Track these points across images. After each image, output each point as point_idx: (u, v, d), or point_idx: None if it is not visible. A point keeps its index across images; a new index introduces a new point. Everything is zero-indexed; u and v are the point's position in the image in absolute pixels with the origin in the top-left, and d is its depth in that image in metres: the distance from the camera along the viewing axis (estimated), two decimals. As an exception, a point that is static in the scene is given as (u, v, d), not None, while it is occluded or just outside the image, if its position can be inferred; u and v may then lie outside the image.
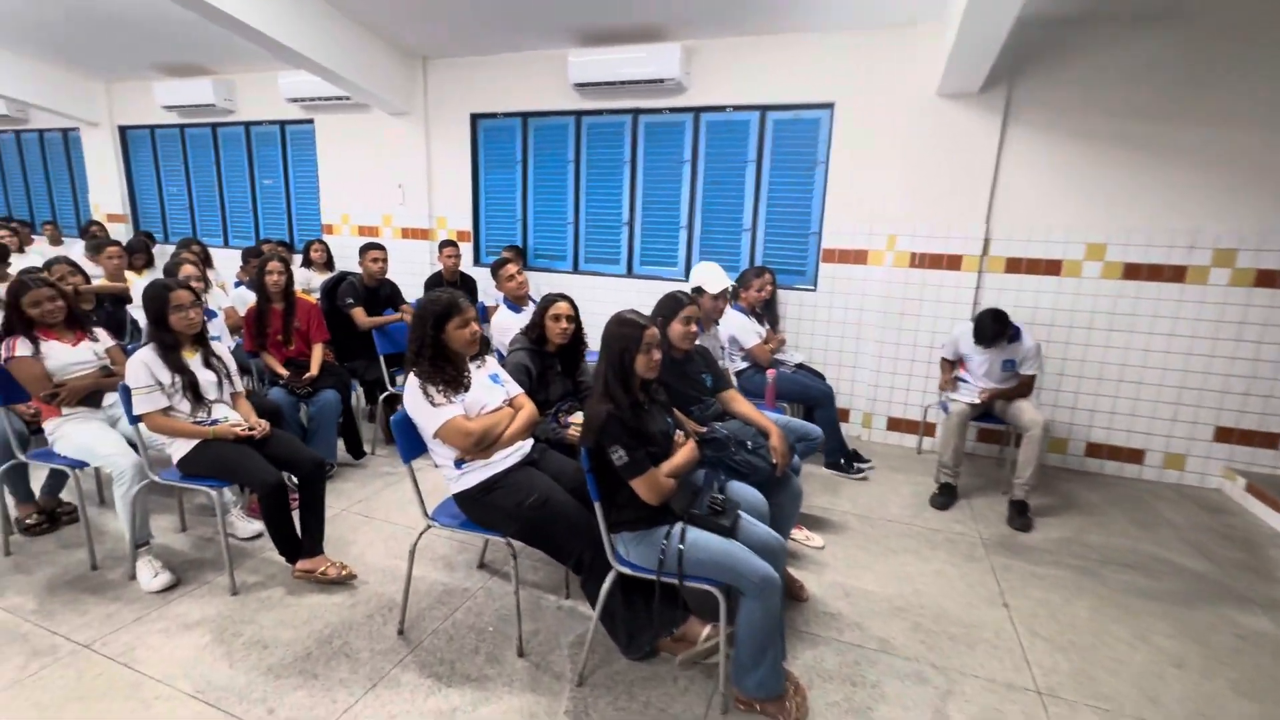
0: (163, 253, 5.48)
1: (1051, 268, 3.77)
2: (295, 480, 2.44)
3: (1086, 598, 2.49)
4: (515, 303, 3.60)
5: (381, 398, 3.76)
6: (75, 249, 5.14)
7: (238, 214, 6.31)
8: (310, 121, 5.62)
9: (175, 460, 2.34)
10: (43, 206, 7.34)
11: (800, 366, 3.92)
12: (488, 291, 4.68)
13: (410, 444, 2.08)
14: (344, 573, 2.37)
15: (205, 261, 4.68)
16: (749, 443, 2.25)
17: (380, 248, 3.98)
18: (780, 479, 2.28)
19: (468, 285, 4.64)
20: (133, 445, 2.41)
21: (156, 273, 4.34)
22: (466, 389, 2.06)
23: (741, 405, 2.46)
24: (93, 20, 4.62)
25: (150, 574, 2.34)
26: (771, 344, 3.74)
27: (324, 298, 3.92)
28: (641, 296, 4.76)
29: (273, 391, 3.20)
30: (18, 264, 4.26)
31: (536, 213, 5.09)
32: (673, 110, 4.48)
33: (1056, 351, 3.80)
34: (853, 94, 3.98)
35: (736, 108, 4.32)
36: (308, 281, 4.96)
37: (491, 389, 2.14)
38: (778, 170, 4.33)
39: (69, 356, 2.51)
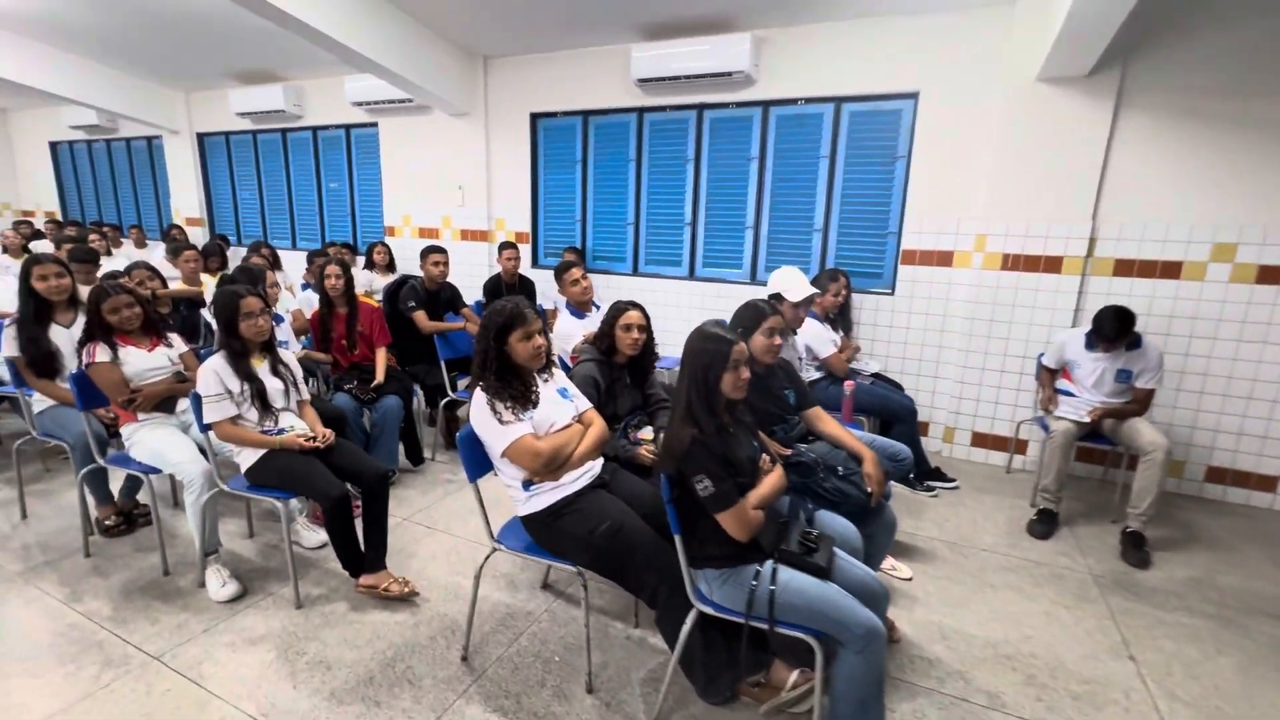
0: (236, 255, 5.65)
1: (1169, 270, 3.37)
2: (358, 490, 2.38)
3: (1230, 653, 2.17)
4: (579, 309, 3.47)
5: (442, 403, 3.72)
6: (158, 252, 5.35)
7: (305, 217, 6.47)
8: (374, 125, 5.68)
9: (243, 469, 2.33)
10: (129, 211, 7.76)
11: (876, 376, 3.65)
12: (546, 294, 4.60)
13: (475, 461, 1.98)
14: (406, 590, 2.30)
15: (274, 264, 4.78)
16: (839, 468, 2.04)
17: (441, 251, 3.94)
18: (874, 508, 2.06)
19: (526, 288, 4.56)
20: (203, 452, 2.41)
21: (229, 276, 4.43)
22: (535, 405, 1.93)
23: (829, 425, 2.25)
24: (172, 30, 4.77)
25: (219, 583, 2.33)
26: (846, 352, 3.50)
27: (386, 301, 3.91)
28: (705, 300, 4.58)
29: (337, 398, 3.18)
30: (106, 266, 4.44)
31: (596, 213, 4.97)
32: (740, 105, 4.27)
33: (1174, 364, 3.40)
34: (940, 82, 3.67)
35: (809, 100, 4.07)
36: (370, 283, 5.00)
37: (561, 405, 2.01)
38: (853, 166, 4.05)
39: (145, 362, 2.53)
